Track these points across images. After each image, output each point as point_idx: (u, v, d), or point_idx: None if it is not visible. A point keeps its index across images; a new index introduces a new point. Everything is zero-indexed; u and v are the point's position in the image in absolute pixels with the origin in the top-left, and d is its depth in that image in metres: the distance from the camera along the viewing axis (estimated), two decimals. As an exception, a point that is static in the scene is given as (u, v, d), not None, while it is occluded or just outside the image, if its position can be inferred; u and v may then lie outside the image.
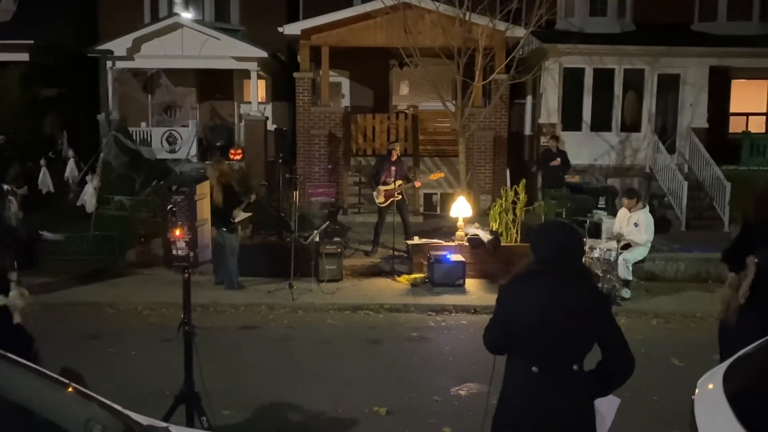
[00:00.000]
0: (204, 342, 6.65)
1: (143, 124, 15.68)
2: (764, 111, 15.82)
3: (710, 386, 2.14)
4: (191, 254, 3.54)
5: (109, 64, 14.52)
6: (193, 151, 14.71)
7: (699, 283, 9.46)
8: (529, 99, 15.31)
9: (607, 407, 2.96)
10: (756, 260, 3.48)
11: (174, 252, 3.53)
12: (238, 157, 14.33)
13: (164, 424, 2.31)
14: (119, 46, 14.24)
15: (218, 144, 15.69)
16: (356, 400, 5.29)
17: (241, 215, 8.64)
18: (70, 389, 2.24)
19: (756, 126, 15.41)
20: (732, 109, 15.61)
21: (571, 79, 14.13)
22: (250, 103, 15.39)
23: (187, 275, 3.71)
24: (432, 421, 4.93)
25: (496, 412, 2.97)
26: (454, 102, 11.70)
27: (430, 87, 11.88)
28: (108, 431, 2.20)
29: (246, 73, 15.31)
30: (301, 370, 6.09)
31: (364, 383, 5.74)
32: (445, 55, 11.51)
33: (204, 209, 3.72)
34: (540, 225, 3.06)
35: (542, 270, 2.85)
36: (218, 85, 16.67)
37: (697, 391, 2.23)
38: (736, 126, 15.47)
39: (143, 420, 2.33)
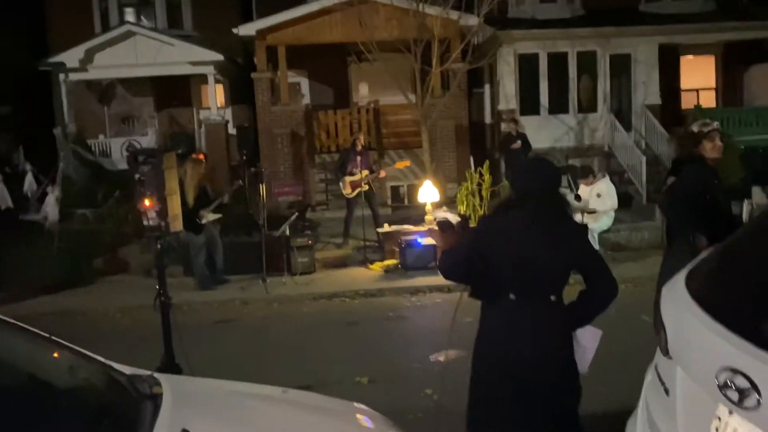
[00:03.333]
0: (181, 337, 6.67)
1: (101, 136, 15.47)
2: (713, 86, 16.33)
3: (673, 288, 2.24)
4: (162, 223, 3.53)
5: (62, 76, 14.30)
6: (155, 159, 14.51)
7: (662, 250, 9.70)
8: (487, 88, 15.54)
9: (589, 339, 3.03)
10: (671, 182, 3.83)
11: (145, 222, 3.52)
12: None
13: (148, 372, 2.32)
14: (71, 57, 14.03)
15: (179, 151, 15.51)
16: (338, 374, 5.33)
17: (209, 216, 8.59)
18: (51, 341, 2.23)
19: (706, 100, 15.90)
20: (683, 86, 16.08)
21: (527, 65, 14.39)
22: (209, 108, 15.31)
23: (159, 245, 3.70)
24: (413, 385, 4.99)
25: (475, 347, 3.03)
26: (414, 93, 11.83)
27: (390, 80, 11.99)
28: (92, 379, 2.20)
29: (203, 78, 15.23)
30: (281, 352, 6.10)
31: (345, 358, 5.78)
32: (402, 48, 11.64)
33: (171, 179, 3.71)
34: (520, 162, 3.18)
35: (521, 202, 2.93)
36: (176, 92, 16.54)
37: (661, 296, 2.33)
38: (687, 101, 15.94)
39: (127, 369, 2.33)
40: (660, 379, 2.17)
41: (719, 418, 1.78)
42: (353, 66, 15.43)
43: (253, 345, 6.45)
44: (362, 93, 15.96)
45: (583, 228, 3.02)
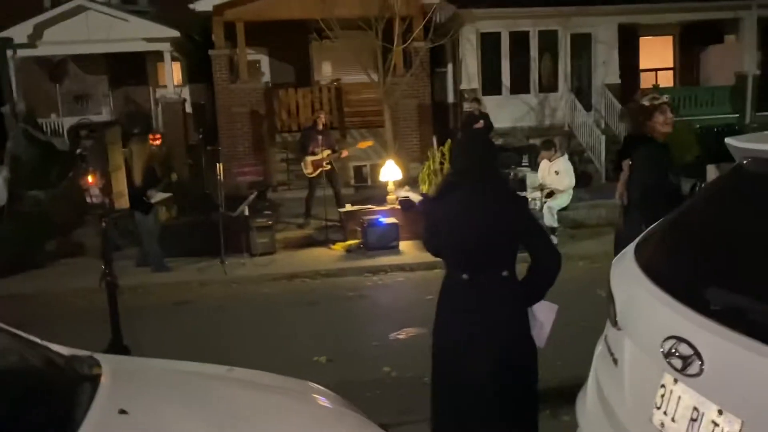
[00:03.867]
0: (134, 320, 6.52)
1: (53, 115, 14.96)
2: (671, 66, 16.59)
3: (623, 260, 2.24)
4: (107, 201, 3.39)
5: (9, 53, 13.72)
6: (110, 139, 14.11)
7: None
8: (449, 67, 15.50)
9: (545, 314, 3.03)
10: (630, 163, 3.87)
11: (88, 200, 3.37)
12: (158, 141, 13.84)
13: (88, 353, 2.22)
14: (19, 33, 13.47)
15: (135, 131, 15.12)
16: (296, 353, 5.27)
17: (158, 196, 8.41)
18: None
19: (664, 80, 16.17)
20: (641, 65, 16.30)
21: (489, 44, 14.38)
22: (165, 86, 14.91)
23: (104, 224, 3.56)
24: (372, 363, 4.96)
25: (434, 326, 3.02)
26: (376, 72, 11.70)
27: (352, 58, 11.83)
28: (24, 361, 2.10)
29: (159, 56, 14.81)
30: (239, 332, 6.02)
31: (303, 338, 5.73)
32: (364, 25, 11.47)
33: (116, 154, 3.57)
34: (455, 140, 3.16)
35: (460, 180, 2.91)
36: (131, 71, 16.06)
37: (611, 270, 2.33)
38: (646, 81, 16.17)
39: (65, 351, 2.24)
40: (609, 350, 2.17)
41: (664, 386, 1.78)
42: (314, 44, 15.18)
43: (210, 326, 6.34)
44: (324, 71, 15.74)
45: (523, 200, 3.01)
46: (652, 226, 2.32)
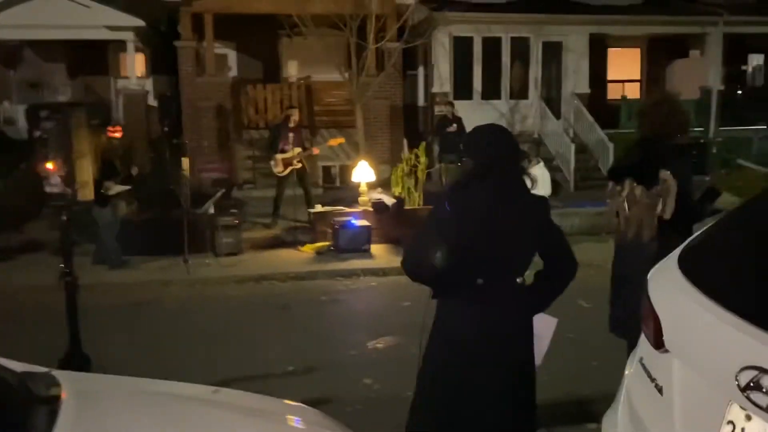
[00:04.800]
0: (90, 321, 6.07)
1: (6, 103, 14.19)
2: (638, 78, 16.79)
3: (664, 272, 2.01)
4: (69, 191, 3.02)
5: (-41, 35, 12.94)
6: (66, 129, 13.46)
7: (593, 236, 9.81)
8: (421, 70, 15.32)
9: (544, 327, 2.82)
10: (670, 173, 3.50)
11: (47, 189, 2.99)
12: (118, 134, 13.25)
13: (45, 369, 1.88)
14: (-29, 14, 12.70)
15: (95, 122, 14.46)
16: (268, 361, 4.94)
17: (116, 188, 7.96)
18: None
19: (631, 92, 16.35)
20: (609, 77, 16.45)
21: (461, 49, 14.26)
22: (128, 77, 14.31)
23: (66, 218, 3.18)
24: (351, 374, 4.67)
25: (432, 334, 2.75)
26: (348, 71, 11.43)
27: (323, 56, 11.53)
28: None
29: (122, 46, 14.20)
30: (205, 337, 5.63)
31: (276, 345, 5.38)
32: (338, 23, 11.19)
33: (81, 139, 3.19)
34: (473, 129, 2.84)
35: (482, 176, 2.64)
36: (92, 60, 15.36)
37: (650, 280, 2.10)
38: (613, 92, 16.33)
39: (18, 366, 1.89)
40: (648, 375, 1.94)
41: (733, 423, 1.55)
42: (285, 40, 14.79)
43: (172, 330, 5.94)
44: (293, 68, 15.36)
45: (545, 201, 2.77)
46: (696, 235, 2.10)
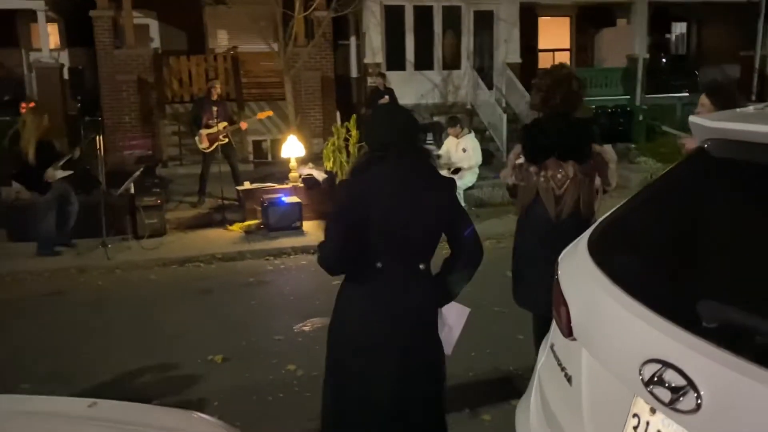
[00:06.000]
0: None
1: None
2: (568, 47, 16.97)
3: (574, 258, 1.92)
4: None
5: None
6: (-27, 106, 12.56)
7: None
8: (353, 40, 15.00)
9: (455, 317, 2.72)
10: (602, 146, 3.44)
11: None
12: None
13: None
14: None
15: (5, 98, 13.57)
16: (187, 352, 4.70)
17: (59, 173, 7.43)
18: None
19: (561, 60, 16.48)
20: (540, 46, 16.55)
21: (393, 18, 14.00)
22: (40, 50, 13.40)
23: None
24: (275, 360, 4.50)
25: (332, 321, 2.62)
26: (276, 41, 11.02)
27: (250, 26, 11.06)
28: None
29: (33, 15, 13.25)
30: (120, 329, 5.32)
31: (196, 334, 5.14)
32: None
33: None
34: (373, 111, 2.69)
35: (381, 156, 2.50)
36: (0, 31, 14.31)
37: (559, 265, 2.01)
38: (544, 62, 16.43)
39: None
40: (559, 364, 1.86)
41: (638, 416, 1.48)
42: (208, 9, 14.15)
43: (87, 320, 5.60)
44: (219, 39, 14.75)
45: (452, 182, 2.65)
46: (604, 217, 2.02)
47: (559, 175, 3.43)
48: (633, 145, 13.36)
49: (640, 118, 14.19)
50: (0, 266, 7.21)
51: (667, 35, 17.98)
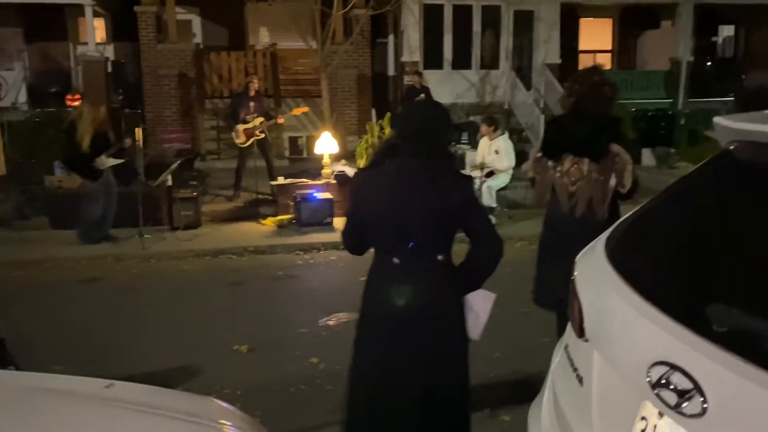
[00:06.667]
0: (32, 300, 5.88)
1: (-42, 69, 13.59)
2: (609, 48, 16.68)
3: (591, 257, 1.90)
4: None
5: None
6: (22, 97, 13.01)
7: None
8: (391, 38, 15.01)
9: (481, 303, 2.72)
10: (621, 147, 3.40)
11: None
12: (77, 102, 12.82)
13: None
14: None
15: (53, 90, 13.98)
16: (214, 341, 4.79)
17: (109, 162, 7.70)
18: None
19: (603, 63, 16.21)
20: (581, 47, 16.30)
21: (431, 17, 13.98)
22: (86, 43, 13.77)
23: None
24: (298, 353, 4.55)
25: (360, 316, 2.65)
26: (314, 39, 11.12)
27: (290, 23, 11.18)
28: None
29: (80, 10, 13.63)
30: (152, 317, 5.46)
31: (224, 324, 5.23)
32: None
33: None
34: (407, 103, 2.72)
35: (398, 148, 2.51)
36: (49, 25, 14.73)
37: (576, 265, 1.99)
38: (584, 63, 16.16)
39: None
40: (571, 364, 1.84)
41: (645, 419, 1.46)
42: (250, 6, 14.35)
43: (120, 307, 5.76)
44: (260, 36, 14.94)
45: (469, 179, 2.63)
46: (624, 218, 1.99)
47: (573, 171, 3.44)
48: (673, 150, 13.06)
49: (682, 122, 13.86)
50: (41, 252, 7.46)
51: (714, 38, 17.49)
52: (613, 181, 3.41)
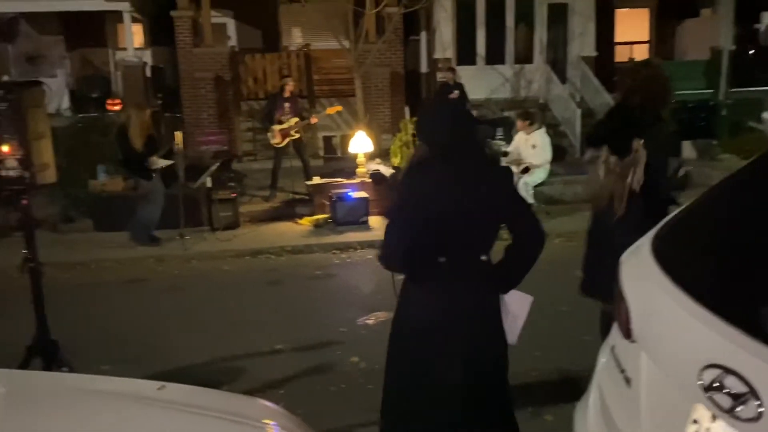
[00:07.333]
0: (79, 300, 6.05)
1: (5, 77, 14.01)
2: (647, 39, 16.33)
3: (637, 256, 1.87)
4: (26, 175, 2.90)
5: (-48, 8, 12.76)
6: (65, 104, 13.38)
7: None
8: (423, 35, 14.96)
9: (518, 306, 2.71)
10: (642, 143, 3.35)
11: (3, 173, 2.87)
12: (117, 107, 13.16)
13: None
14: (-37, -14, 12.50)
15: (94, 95, 14.35)
16: (255, 340, 4.87)
17: (160, 162, 7.91)
18: None
19: (639, 54, 15.88)
20: (617, 39, 16.00)
21: (464, 12, 13.90)
22: (125, 49, 14.10)
23: (26, 201, 3.07)
24: (339, 352, 4.60)
25: (396, 312, 2.67)
26: (347, 39, 11.17)
27: (323, 23, 11.26)
28: None
29: (119, 16, 13.96)
30: (194, 316, 5.58)
31: (264, 323, 5.32)
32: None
33: (39, 119, 3.06)
34: (423, 108, 2.73)
35: (433, 157, 2.55)
36: (89, 32, 15.15)
37: (621, 264, 1.97)
38: (621, 55, 15.88)
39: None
40: (618, 365, 1.82)
41: (698, 422, 1.44)
42: (283, 7, 14.48)
43: (163, 307, 5.90)
44: (293, 36, 15.08)
45: (508, 172, 2.64)
46: (671, 216, 1.96)
47: (604, 163, 3.47)
48: (715, 142, 12.73)
49: (724, 113, 13.48)
50: (87, 254, 7.67)
51: (756, 25, 16.96)
52: (630, 178, 3.38)
